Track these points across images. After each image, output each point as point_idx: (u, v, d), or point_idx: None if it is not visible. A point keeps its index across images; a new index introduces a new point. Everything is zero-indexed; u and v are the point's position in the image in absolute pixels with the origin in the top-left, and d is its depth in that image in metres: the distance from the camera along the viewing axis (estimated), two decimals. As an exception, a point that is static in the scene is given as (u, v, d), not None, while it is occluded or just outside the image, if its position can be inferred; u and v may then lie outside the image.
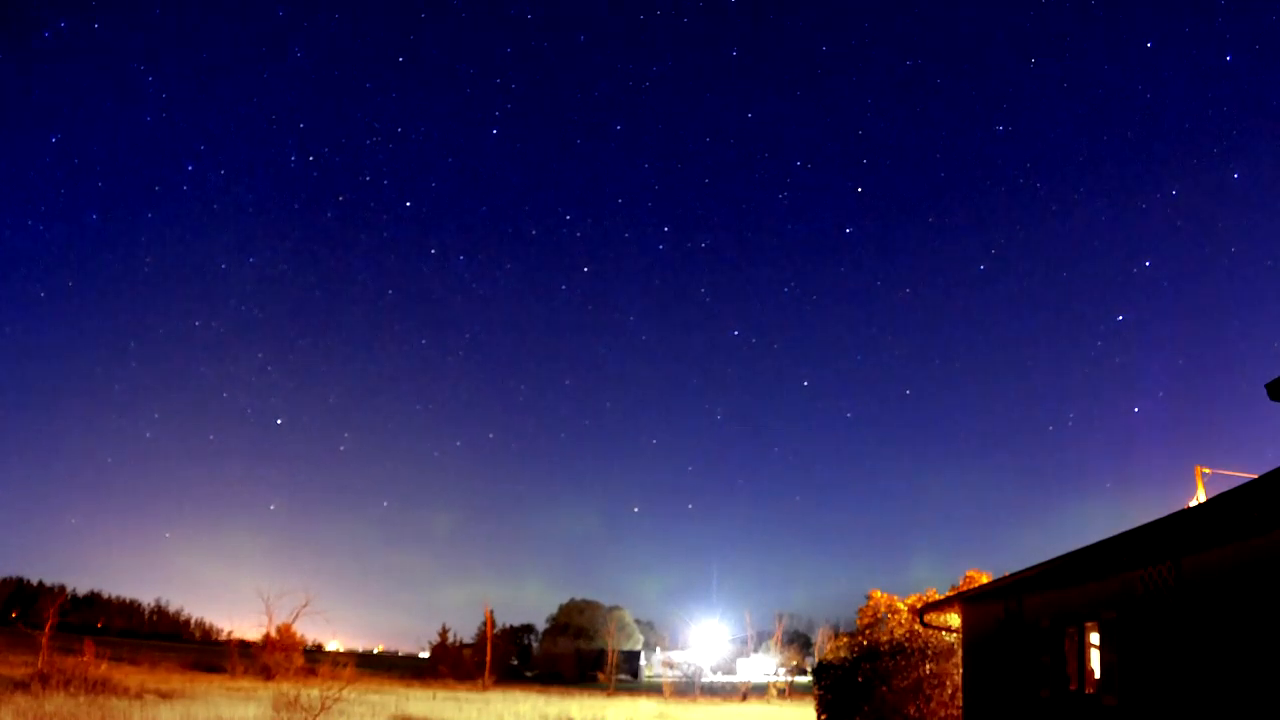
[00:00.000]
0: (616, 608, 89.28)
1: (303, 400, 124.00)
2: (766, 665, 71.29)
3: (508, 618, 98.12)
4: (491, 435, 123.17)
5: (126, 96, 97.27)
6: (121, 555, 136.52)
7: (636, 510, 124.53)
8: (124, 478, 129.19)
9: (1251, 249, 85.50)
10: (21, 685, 21.41)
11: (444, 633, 67.94)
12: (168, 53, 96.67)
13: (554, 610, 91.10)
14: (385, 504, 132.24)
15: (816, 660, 30.34)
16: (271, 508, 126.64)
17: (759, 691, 54.25)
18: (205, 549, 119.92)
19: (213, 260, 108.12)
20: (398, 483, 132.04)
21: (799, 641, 75.46)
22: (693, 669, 66.60)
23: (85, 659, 25.78)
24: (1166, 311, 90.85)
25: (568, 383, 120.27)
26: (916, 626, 17.85)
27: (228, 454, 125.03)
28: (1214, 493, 9.59)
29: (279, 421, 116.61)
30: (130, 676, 28.19)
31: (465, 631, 72.08)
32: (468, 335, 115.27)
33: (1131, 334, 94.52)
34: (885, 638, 18.83)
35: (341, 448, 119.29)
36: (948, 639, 17.27)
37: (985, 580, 17.78)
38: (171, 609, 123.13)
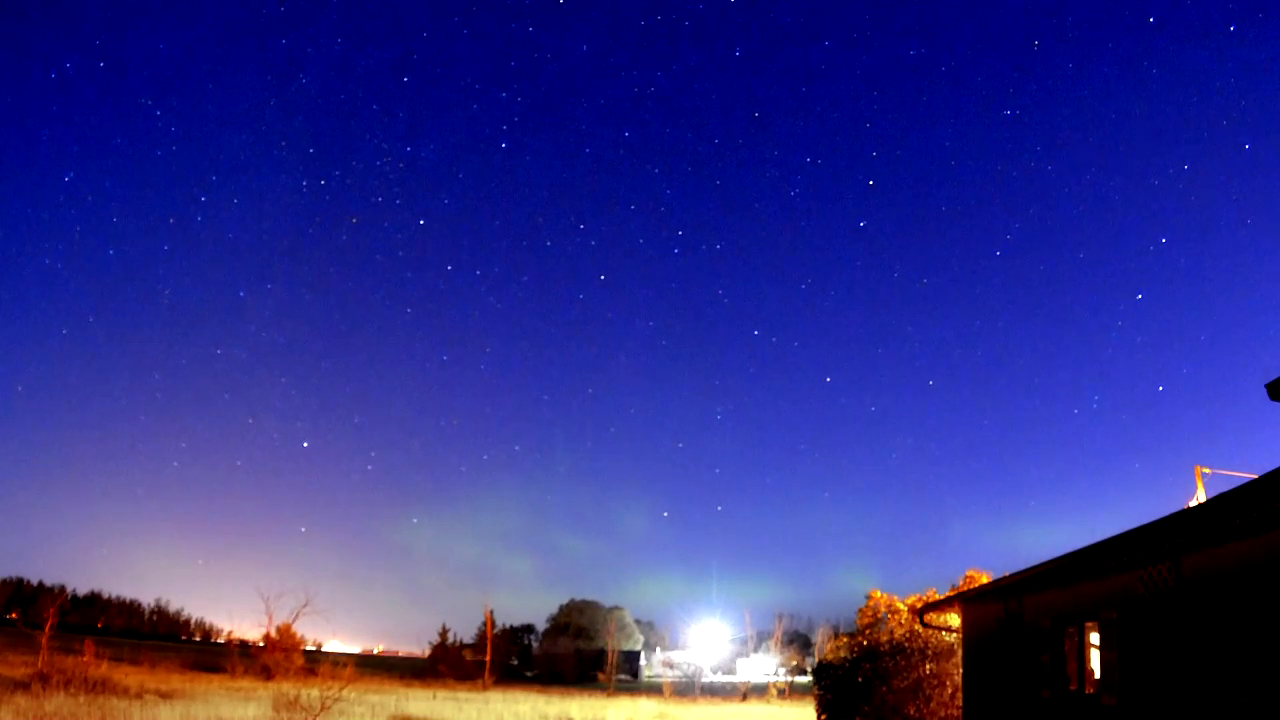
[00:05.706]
0: (616, 608, 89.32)
1: (328, 422, 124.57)
2: (766, 665, 71.34)
3: (508, 618, 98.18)
4: (517, 447, 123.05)
5: (136, 132, 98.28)
6: (157, 580, 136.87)
7: (666, 515, 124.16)
8: (154, 507, 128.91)
9: (1264, 221, 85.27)
10: (21, 685, 21.39)
11: (444, 633, 68.04)
12: (174, 87, 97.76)
13: (554, 610, 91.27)
14: (415, 520, 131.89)
15: (816, 660, 30.34)
16: (303, 529, 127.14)
17: (759, 691, 54.23)
18: (238, 573, 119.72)
19: (231, 288, 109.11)
20: (427, 499, 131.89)
21: (799, 641, 75.50)
22: (693, 669, 66.63)
23: (85, 659, 25.79)
24: (1184, 289, 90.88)
25: (590, 391, 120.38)
26: (916, 626, 17.83)
27: (256, 479, 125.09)
28: (1214, 493, 9.59)
29: (305, 444, 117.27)
30: (130, 676, 28.17)
31: (465, 632, 72.25)
32: (488, 349, 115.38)
33: (1152, 312, 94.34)
34: (885, 638, 18.80)
35: (369, 466, 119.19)
36: (948, 639, 17.26)
37: (985, 580, 17.78)
38: (171, 609, 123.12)
